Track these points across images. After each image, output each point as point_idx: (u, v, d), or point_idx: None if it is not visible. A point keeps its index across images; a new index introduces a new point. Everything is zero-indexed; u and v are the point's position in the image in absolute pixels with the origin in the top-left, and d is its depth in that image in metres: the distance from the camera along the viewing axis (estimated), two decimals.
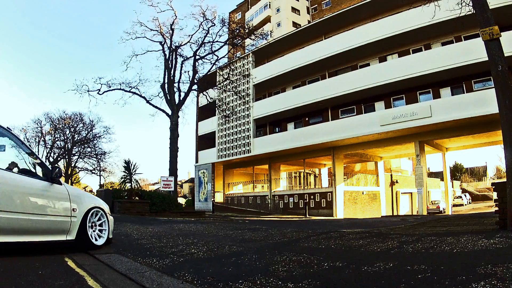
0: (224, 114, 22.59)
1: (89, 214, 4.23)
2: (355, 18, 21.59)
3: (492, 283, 2.14)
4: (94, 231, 4.30)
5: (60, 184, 3.95)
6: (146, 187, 53.86)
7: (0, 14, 70.90)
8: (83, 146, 41.94)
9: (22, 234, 3.34)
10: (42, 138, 41.96)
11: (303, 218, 17.70)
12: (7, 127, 3.64)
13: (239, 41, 19.95)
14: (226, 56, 25.74)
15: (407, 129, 18.56)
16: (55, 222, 3.74)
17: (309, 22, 34.92)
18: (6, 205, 3.13)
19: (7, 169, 3.43)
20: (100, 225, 4.45)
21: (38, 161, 3.99)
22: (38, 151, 43.09)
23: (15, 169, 3.56)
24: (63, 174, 4.15)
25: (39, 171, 3.90)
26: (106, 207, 4.67)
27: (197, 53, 18.64)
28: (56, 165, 3.69)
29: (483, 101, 15.09)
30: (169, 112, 18.43)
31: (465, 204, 36.94)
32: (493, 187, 5.35)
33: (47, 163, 4.06)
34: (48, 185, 3.76)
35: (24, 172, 3.64)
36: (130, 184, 16.57)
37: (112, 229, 4.75)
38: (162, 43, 18.98)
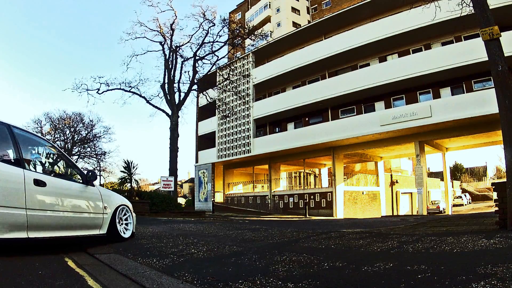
0: (224, 114, 22.59)
1: (117, 211, 4.86)
2: (355, 18, 21.58)
3: (492, 283, 2.14)
4: (121, 225, 4.96)
5: (93, 185, 4.54)
6: (146, 187, 53.84)
7: (0, 14, 70.91)
8: (83, 146, 41.94)
9: (65, 230, 3.95)
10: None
11: (303, 218, 17.70)
12: (48, 139, 4.41)
13: (239, 41, 19.95)
14: (226, 56, 25.77)
15: (407, 129, 18.56)
16: (91, 218, 4.38)
17: (309, 22, 34.92)
18: (51, 205, 3.75)
19: (49, 174, 4.03)
20: (126, 219, 5.14)
21: (74, 167, 4.69)
22: None
23: (53, 174, 4.17)
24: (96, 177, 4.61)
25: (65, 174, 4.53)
26: (130, 205, 5.31)
27: (197, 53, 18.66)
28: (91, 170, 4.57)
29: (483, 101, 15.09)
30: (169, 112, 18.44)
31: (465, 204, 36.94)
32: (493, 187, 5.35)
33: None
34: (83, 187, 4.37)
35: (63, 176, 4.31)
36: (130, 184, 16.58)
37: (135, 223, 5.38)
38: (162, 43, 19.00)
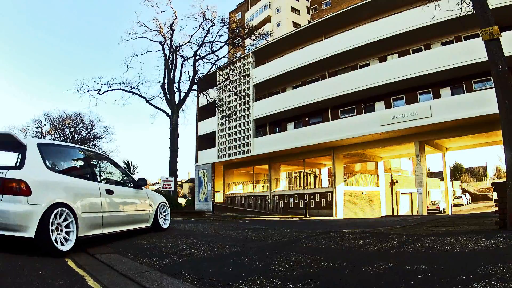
0: (224, 114, 22.57)
1: (159, 207, 6.12)
2: (355, 18, 21.58)
3: (492, 283, 2.14)
4: (161, 218, 6.24)
5: (142, 189, 5.79)
6: (146, 187, 53.71)
7: (0, 14, 70.91)
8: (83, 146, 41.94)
9: (126, 225, 5.17)
10: (42, 138, 42.02)
11: (303, 218, 17.70)
12: (106, 155, 5.63)
13: (239, 41, 19.93)
14: (226, 56, 25.73)
15: (407, 129, 18.55)
16: (143, 215, 5.69)
17: (309, 22, 34.91)
18: (117, 207, 4.94)
19: (113, 183, 5.12)
20: (165, 214, 6.42)
21: (128, 175, 5.92)
22: None
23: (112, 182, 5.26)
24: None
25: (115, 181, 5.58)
26: (167, 202, 6.61)
27: (197, 53, 18.62)
28: (141, 177, 6.15)
29: (483, 101, 15.09)
30: (169, 112, 18.42)
31: (465, 204, 36.94)
32: (493, 187, 5.35)
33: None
34: (136, 191, 5.62)
35: (122, 184, 5.51)
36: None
37: (169, 217, 6.64)
38: (162, 43, 18.97)
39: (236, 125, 26.84)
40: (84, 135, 41.66)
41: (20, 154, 3.98)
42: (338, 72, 22.80)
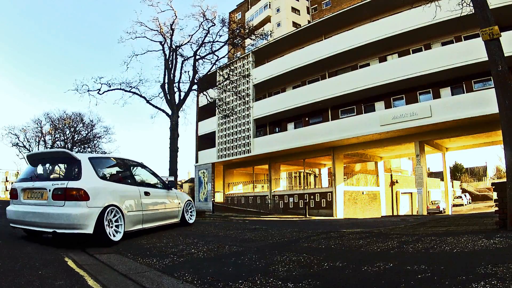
0: (224, 114, 22.55)
1: (185, 205, 7.21)
2: (355, 18, 21.58)
3: (492, 283, 2.14)
4: (188, 215, 7.30)
5: (172, 190, 6.84)
6: None
7: (0, 14, 70.91)
8: (83, 146, 41.94)
9: (161, 221, 6.31)
10: (42, 138, 41.99)
11: (303, 218, 17.69)
12: (141, 162, 6.63)
13: (239, 41, 19.89)
14: (226, 56, 25.68)
15: (407, 129, 18.55)
16: (173, 211, 6.73)
17: (309, 22, 34.92)
18: (153, 206, 6.02)
19: (149, 186, 6.17)
20: (191, 210, 7.48)
21: (160, 178, 6.86)
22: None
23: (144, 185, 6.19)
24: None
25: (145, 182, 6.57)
26: (192, 200, 7.68)
27: (197, 53, 18.57)
28: (171, 180, 7.44)
29: (483, 101, 15.09)
30: (169, 112, 18.37)
31: (465, 204, 36.95)
32: (493, 187, 5.34)
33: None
34: (167, 191, 6.67)
35: (155, 186, 6.47)
36: None
37: (195, 213, 7.77)
38: (162, 43, 18.92)
39: (236, 125, 26.84)
40: (84, 135, 41.65)
41: (76, 167, 4.87)
42: (338, 72, 22.80)
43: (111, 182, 5.31)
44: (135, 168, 6.37)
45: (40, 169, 5.31)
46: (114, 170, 5.94)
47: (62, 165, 5.30)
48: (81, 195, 4.54)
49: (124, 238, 5.03)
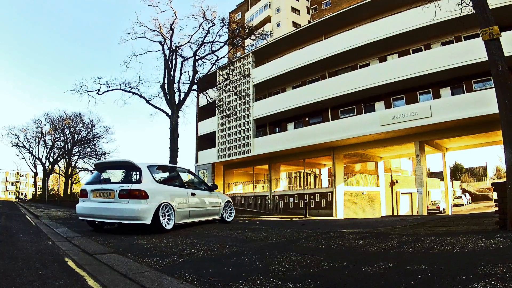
0: (224, 114, 22.55)
1: (225, 205, 8.35)
2: (355, 18, 21.58)
3: (492, 283, 2.14)
4: (226, 213, 8.42)
5: (213, 191, 8.05)
6: None
7: (0, 14, 70.91)
8: (83, 146, 41.94)
9: (204, 217, 7.60)
10: (42, 138, 42.03)
11: (303, 218, 17.68)
12: (189, 169, 8.46)
13: (239, 41, 19.89)
14: (226, 56, 25.69)
15: (407, 129, 18.55)
16: (214, 210, 7.97)
17: (309, 22, 34.91)
18: (198, 204, 7.31)
19: (194, 188, 7.62)
20: (230, 210, 8.58)
21: (204, 182, 8.44)
22: (38, 151, 43.22)
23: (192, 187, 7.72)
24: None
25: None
26: (231, 201, 8.80)
27: (197, 53, 18.57)
28: (214, 183, 8.97)
29: (483, 101, 15.09)
30: (169, 112, 18.38)
31: (465, 204, 36.94)
32: (493, 187, 5.34)
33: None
34: (210, 193, 7.91)
35: (200, 188, 7.82)
36: None
37: (234, 213, 8.88)
38: (162, 43, 18.93)
39: (236, 125, 26.84)
40: (84, 135, 41.65)
41: (137, 173, 6.21)
42: (338, 72, 22.80)
43: (164, 185, 6.66)
44: (183, 173, 7.98)
45: (105, 175, 6.69)
46: (166, 175, 7.47)
47: (124, 171, 6.62)
48: (142, 195, 5.84)
49: (115, 239, 5.07)
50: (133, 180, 6.13)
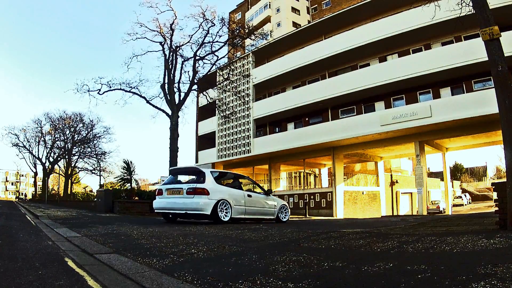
0: (224, 114, 22.55)
1: (280, 207, 9.90)
2: (355, 18, 21.59)
3: (492, 283, 2.14)
4: (281, 214, 9.92)
5: (270, 195, 9.80)
6: (146, 187, 53.83)
7: (1, 14, 70.92)
8: (83, 146, 41.94)
9: (259, 215, 9.32)
10: (42, 138, 42.03)
11: (303, 218, 17.68)
12: (248, 176, 11.40)
13: (239, 41, 19.89)
14: (226, 56, 25.71)
15: (407, 129, 18.56)
16: (269, 210, 9.60)
17: (309, 22, 34.92)
18: (253, 204, 9.08)
19: (251, 191, 9.51)
20: (286, 212, 10.14)
21: (260, 186, 10.41)
22: (38, 151, 43.25)
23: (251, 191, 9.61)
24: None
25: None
26: (287, 204, 10.42)
27: (197, 54, 18.59)
28: (270, 189, 11.06)
29: (483, 101, 15.10)
30: (169, 112, 18.39)
31: (465, 204, 36.96)
32: (493, 187, 5.33)
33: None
34: (266, 196, 9.68)
35: (256, 191, 9.67)
36: (130, 184, 16.53)
37: (289, 214, 10.44)
38: (162, 43, 18.95)
39: (236, 125, 26.84)
40: (84, 135, 41.65)
41: (202, 176, 8.14)
42: (338, 72, 22.81)
43: (223, 186, 8.59)
44: (243, 179, 10.27)
45: (176, 177, 9.06)
46: (226, 178, 9.61)
47: (192, 175, 9.02)
48: (204, 192, 7.73)
49: (120, 239, 5.08)
50: (199, 181, 8.04)
